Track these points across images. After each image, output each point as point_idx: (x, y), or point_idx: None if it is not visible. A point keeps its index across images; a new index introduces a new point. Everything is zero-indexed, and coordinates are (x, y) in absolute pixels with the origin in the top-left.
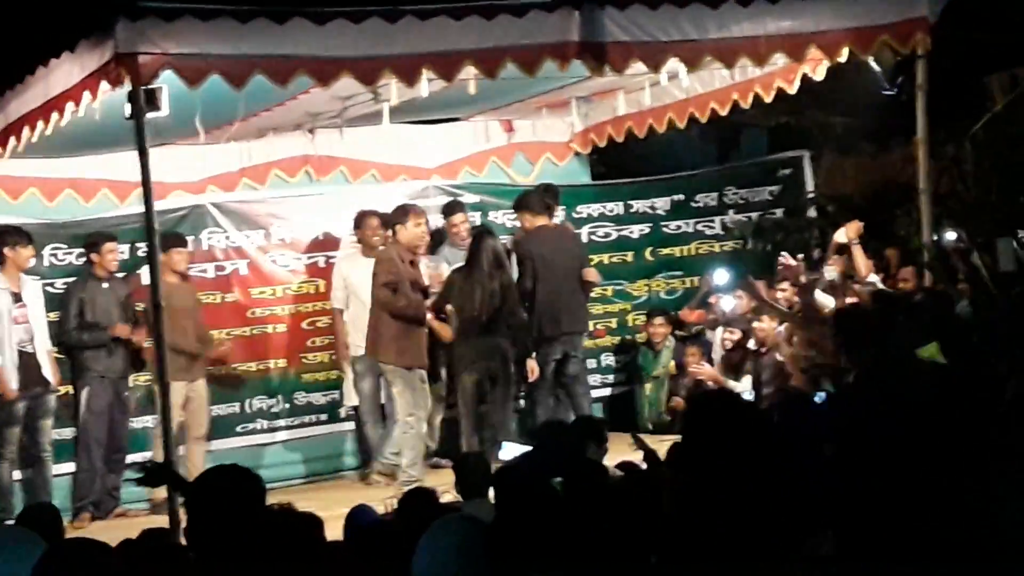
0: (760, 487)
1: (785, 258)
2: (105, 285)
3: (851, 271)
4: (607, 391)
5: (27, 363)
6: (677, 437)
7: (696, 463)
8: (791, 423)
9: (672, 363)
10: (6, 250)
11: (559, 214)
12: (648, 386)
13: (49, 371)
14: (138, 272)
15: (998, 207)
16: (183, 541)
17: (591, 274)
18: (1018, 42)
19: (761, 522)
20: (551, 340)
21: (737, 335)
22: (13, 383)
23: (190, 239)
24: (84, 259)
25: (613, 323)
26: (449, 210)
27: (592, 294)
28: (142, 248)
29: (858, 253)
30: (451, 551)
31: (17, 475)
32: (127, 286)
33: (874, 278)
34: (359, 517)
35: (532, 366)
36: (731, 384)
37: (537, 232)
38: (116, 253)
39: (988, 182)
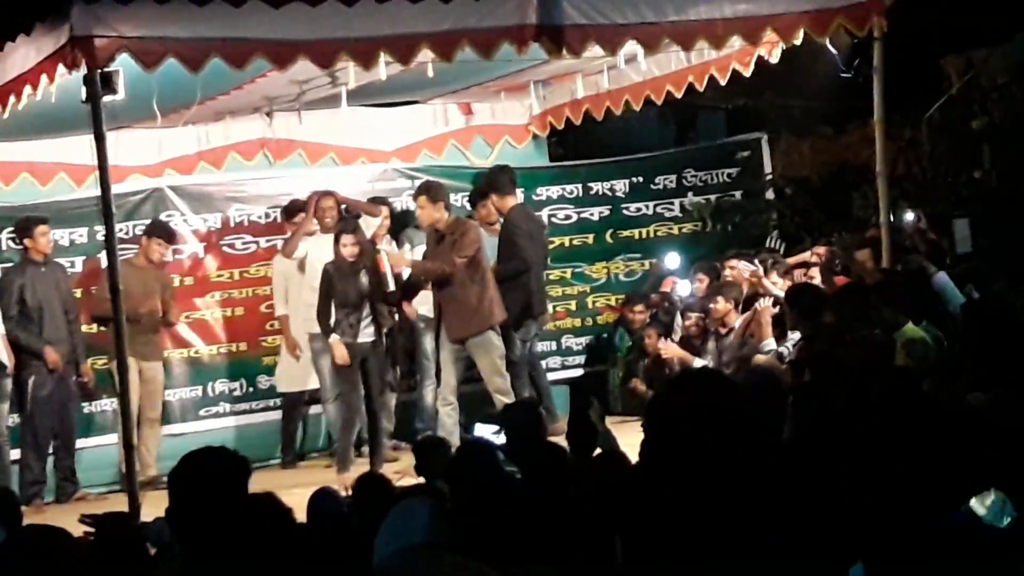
0: (736, 467)
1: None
2: (43, 269)
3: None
4: (567, 373)
5: None
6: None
7: (673, 442)
8: (757, 401)
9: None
10: None
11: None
12: (621, 367)
13: (4, 355)
14: (97, 256)
15: (954, 188)
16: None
17: None
18: (973, 25)
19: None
20: (533, 319)
21: (722, 303)
22: None
23: (148, 222)
24: (19, 244)
25: (572, 305)
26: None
27: (551, 276)
28: (101, 232)
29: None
30: (414, 531)
31: None
32: (64, 271)
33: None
34: (321, 501)
35: None
36: (696, 363)
37: (516, 211)
38: (48, 236)
39: (944, 163)
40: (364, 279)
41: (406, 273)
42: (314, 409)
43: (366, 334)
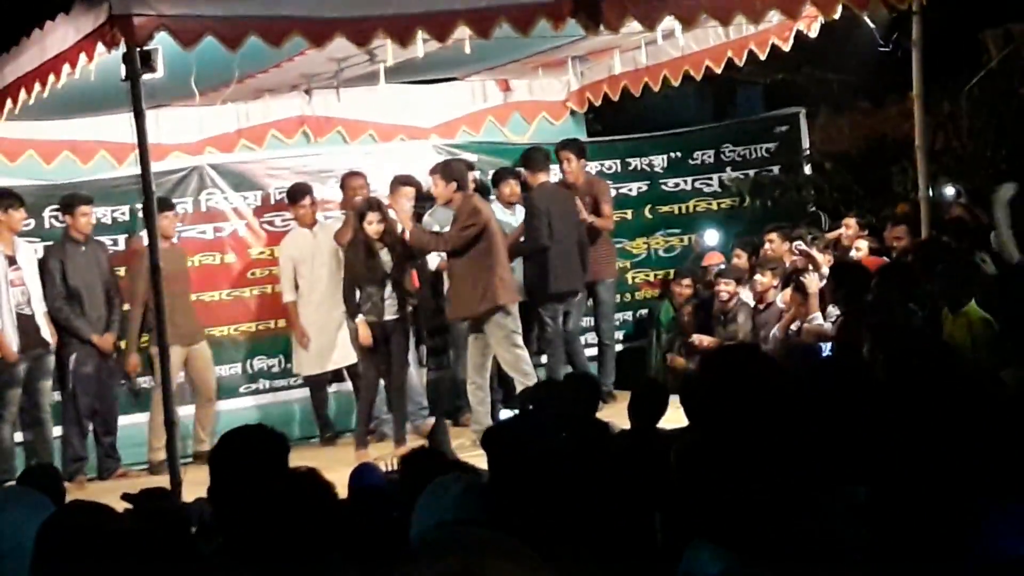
0: (775, 442)
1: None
2: (83, 248)
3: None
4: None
5: (25, 325)
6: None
7: (710, 419)
8: (798, 376)
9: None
10: None
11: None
12: (664, 341)
13: (47, 332)
14: (140, 234)
15: (993, 162)
16: (183, 499)
17: (593, 219)
18: None
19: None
20: (559, 297)
21: (732, 286)
22: (13, 345)
23: (188, 200)
24: (61, 222)
25: None
26: (503, 175)
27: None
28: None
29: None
30: (449, 507)
31: (18, 437)
32: (104, 250)
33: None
34: (362, 476)
35: None
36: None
37: (539, 190)
38: (90, 216)
39: (984, 137)
40: (387, 256)
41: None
42: (345, 387)
43: (391, 311)
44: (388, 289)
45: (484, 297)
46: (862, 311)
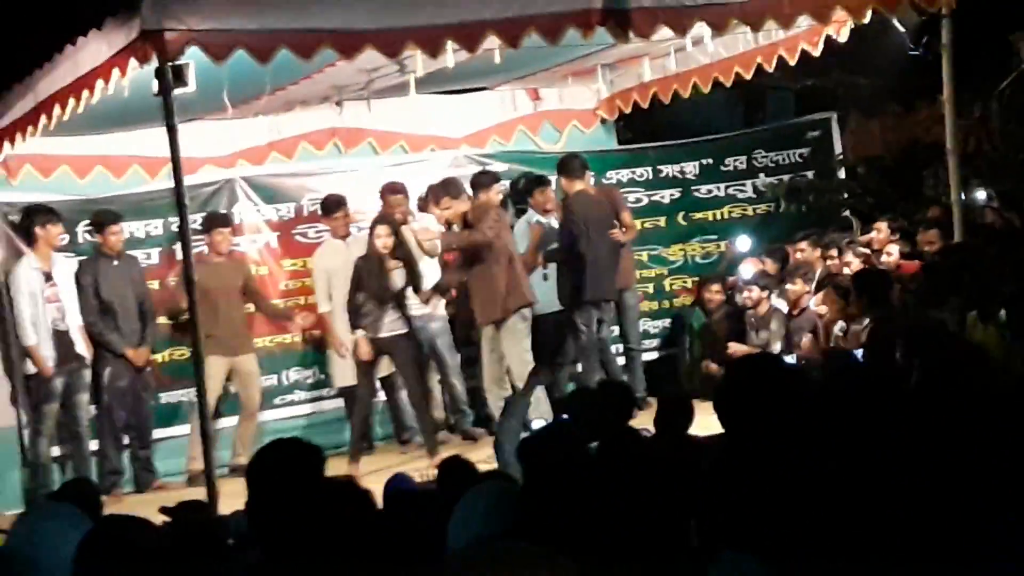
0: (806, 453)
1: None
2: (116, 263)
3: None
4: (649, 356)
5: (62, 340)
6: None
7: (737, 427)
8: (837, 383)
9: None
10: (37, 229)
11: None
12: (696, 348)
13: (83, 347)
14: (172, 247)
15: None
16: (220, 512)
17: (615, 234)
18: None
19: (806, 490)
20: (595, 304)
21: (756, 292)
22: (50, 361)
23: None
24: (94, 239)
25: (650, 288)
26: (492, 180)
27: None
28: (175, 223)
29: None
30: (484, 516)
31: (55, 451)
32: (137, 264)
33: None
34: (397, 486)
35: None
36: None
37: (578, 196)
38: (120, 234)
39: (1015, 140)
40: (394, 272)
41: (437, 246)
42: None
43: (388, 329)
44: (390, 306)
45: (506, 300)
46: (889, 317)
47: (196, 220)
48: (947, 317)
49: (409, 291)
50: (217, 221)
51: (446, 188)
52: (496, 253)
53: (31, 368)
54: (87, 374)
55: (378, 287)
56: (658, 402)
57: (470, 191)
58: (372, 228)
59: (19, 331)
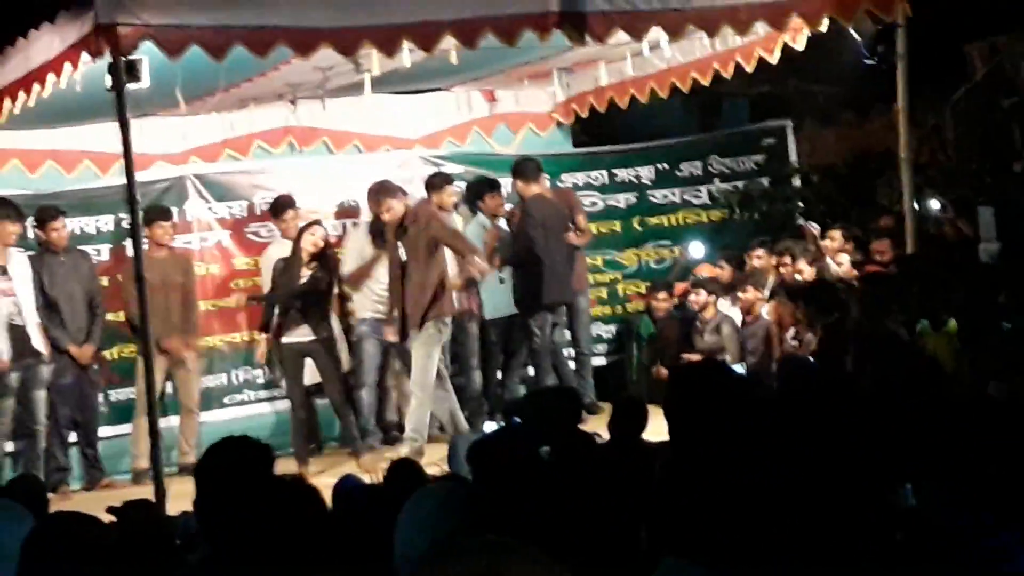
0: (753, 459)
1: (806, 225)
2: (63, 259)
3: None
4: (598, 361)
5: (17, 335)
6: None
7: (683, 433)
8: (791, 389)
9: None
10: None
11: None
12: (645, 355)
13: (40, 343)
14: (123, 244)
15: (978, 175)
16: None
17: (571, 237)
18: (997, 11)
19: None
20: (550, 307)
21: (703, 296)
22: (4, 355)
23: (173, 210)
24: (38, 233)
25: (604, 292)
26: (444, 180)
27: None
28: (127, 220)
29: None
30: (433, 517)
31: (9, 447)
32: (87, 259)
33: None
34: (346, 486)
35: None
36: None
37: (536, 199)
38: (62, 230)
39: (969, 150)
40: (312, 275)
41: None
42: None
43: (303, 333)
44: (304, 310)
45: (437, 305)
46: (838, 326)
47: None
48: (894, 326)
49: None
50: (157, 214)
51: (383, 191)
52: (428, 258)
53: None
54: (44, 370)
55: (290, 289)
56: (612, 406)
57: (424, 192)
58: (305, 228)
59: None
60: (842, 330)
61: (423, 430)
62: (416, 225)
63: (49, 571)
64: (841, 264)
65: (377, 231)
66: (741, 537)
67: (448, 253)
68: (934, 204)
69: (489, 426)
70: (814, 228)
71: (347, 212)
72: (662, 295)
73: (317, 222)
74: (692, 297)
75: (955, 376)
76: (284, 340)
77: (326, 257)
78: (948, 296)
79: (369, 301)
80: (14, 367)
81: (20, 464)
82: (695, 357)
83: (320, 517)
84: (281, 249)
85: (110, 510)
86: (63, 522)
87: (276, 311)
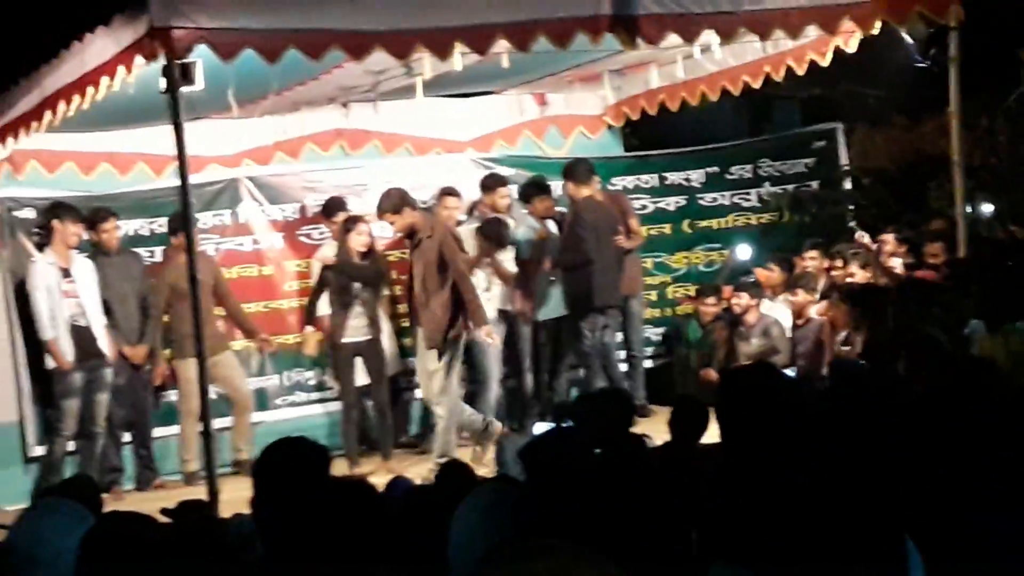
0: (802, 464)
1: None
2: (115, 260)
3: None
4: (648, 363)
5: (82, 336)
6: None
7: (733, 438)
8: (843, 392)
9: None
10: (54, 223)
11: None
12: (692, 358)
13: (105, 344)
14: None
15: None
16: (220, 513)
17: (620, 240)
18: None
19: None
20: (600, 310)
21: (744, 299)
22: (69, 355)
23: (226, 212)
24: (90, 235)
25: (653, 295)
26: (496, 182)
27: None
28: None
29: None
30: (484, 520)
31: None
32: (138, 260)
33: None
34: (397, 490)
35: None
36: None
37: (586, 202)
38: (113, 231)
39: (1021, 153)
40: (364, 273)
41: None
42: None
43: (355, 332)
44: (357, 309)
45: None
46: (885, 329)
47: (200, 219)
48: (934, 331)
49: None
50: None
51: (387, 202)
52: (443, 275)
53: (50, 363)
54: (108, 373)
55: (341, 289)
56: (673, 406)
57: (475, 195)
58: (352, 226)
59: (37, 326)
60: (884, 335)
61: (451, 450)
62: (432, 239)
63: (107, 570)
64: (894, 268)
65: (489, 233)
66: (788, 542)
67: (503, 256)
68: (986, 207)
69: (538, 427)
70: (865, 238)
71: None
72: (710, 299)
73: (361, 218)
74: (734, 301)
75: (1012, 378)
76: (340, 340)
77: (375, 256)
78: (1004, 299)
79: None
80: (78, 368)
81: (77, 464)
82: (746, 360)
83: (377, 518)
84: (333, 251)
85: (164, 512)
86: (121, 522)
87: (329, 311)
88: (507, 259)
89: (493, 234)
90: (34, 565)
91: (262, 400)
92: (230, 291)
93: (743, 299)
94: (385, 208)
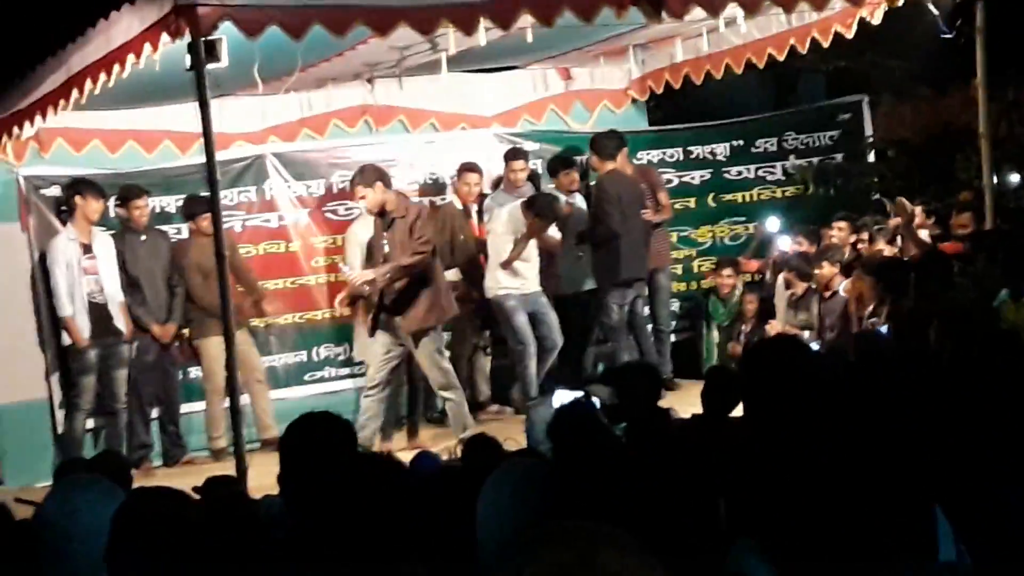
0: (827, 438)
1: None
2: (143, 238)
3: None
4: (672, 337)
5: (99, 313)
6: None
7: (757, 411)
8: (869, 365)
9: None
10: (76, 199)
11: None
12: (715, 333)
13: (121, 322)
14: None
15: None
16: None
17: (648, 213)
18: None
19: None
20: (627, 283)
21: (793, 274)
22: (85, 332)
23: (252, 189)
24: (120, 212)
25: (679, 269)
26: (511, 155)
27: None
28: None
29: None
30: (512, 497)
31: (90, 424)
32: (165, 238)
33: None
34: (423, 463)
35: None
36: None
37: (610, 176)
38: (144, 209)
39: None
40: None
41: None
42: None
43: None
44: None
45: (445, 307)
46: (907, 301)
47: (226, 196)
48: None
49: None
50: (199, 208)
51: (360, 176)
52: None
53: (67, 340)
54: (125, 349)
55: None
56: (706, 377)
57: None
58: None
59: (55, 302)
60: (909, 306)
61: (470, 424)
62: (404, 220)
63: (138, 545)
64: (923, 239)
65: (541, 207)
66: (815, 515)
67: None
68: (1013, 178)
69: (559, 395)
70: (906, 205)
71: (424, 191)
72: (727, 271)
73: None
74: (818, 270)
75: None
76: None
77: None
78: None
79: (515, 276)
80: (94, 344)
81: (102, 441)
82: (779, 328)
83: (402, 493)
84: (365, 224)
85: (195, 490)
86: (152, 497)
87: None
88: (552, 231)
89: (547, 209)
90: (67, 540)
91: (289, 376)
92: (245, 265)
93: (824, 267)
94: (358, 182)
